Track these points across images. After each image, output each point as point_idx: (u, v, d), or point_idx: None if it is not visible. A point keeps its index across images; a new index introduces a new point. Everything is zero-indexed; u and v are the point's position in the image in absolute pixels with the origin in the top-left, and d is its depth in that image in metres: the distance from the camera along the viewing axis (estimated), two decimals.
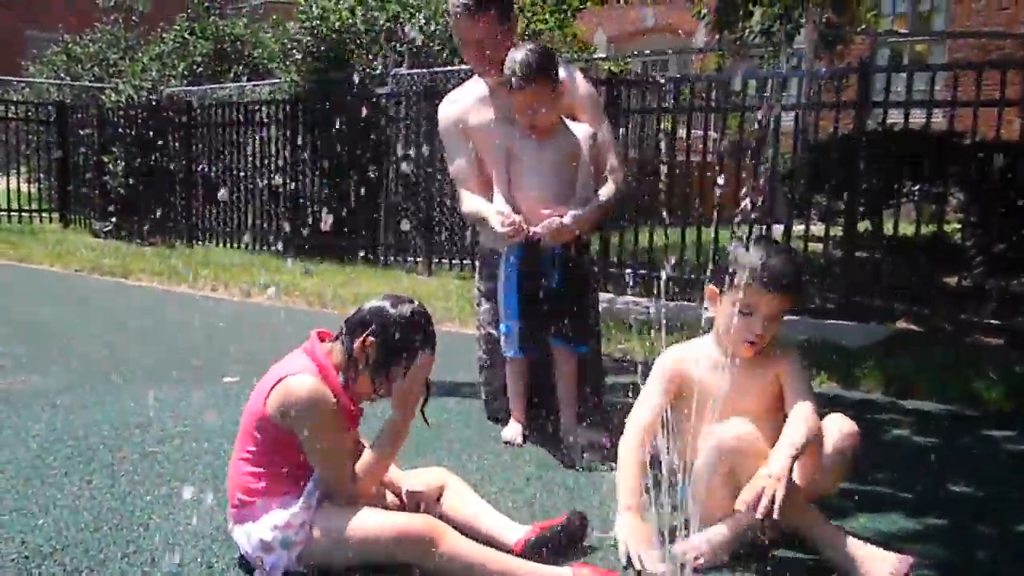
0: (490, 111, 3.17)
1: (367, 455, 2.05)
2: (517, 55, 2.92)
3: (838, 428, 2.21)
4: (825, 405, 2.29)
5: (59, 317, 5.48)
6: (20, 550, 2.05)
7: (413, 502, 2.13)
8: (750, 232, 6.15)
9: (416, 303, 2.09)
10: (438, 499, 2.20)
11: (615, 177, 3.14)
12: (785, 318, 2.25)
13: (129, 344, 4.65)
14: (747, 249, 2.20)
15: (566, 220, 2.91)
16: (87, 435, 2.98)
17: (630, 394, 2.34)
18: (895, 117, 6.14)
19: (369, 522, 1.93)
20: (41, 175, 12.45)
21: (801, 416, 2.12)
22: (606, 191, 3.08)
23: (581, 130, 3.07)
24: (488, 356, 3.32)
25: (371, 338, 2.01)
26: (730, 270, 2.20)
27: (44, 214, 12.15)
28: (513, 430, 3.08)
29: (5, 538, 2.11)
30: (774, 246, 2.25)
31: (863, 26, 9.46)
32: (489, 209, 3.02)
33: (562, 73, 3.02)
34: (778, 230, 6.54)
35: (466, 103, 3.25)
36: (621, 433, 2.30)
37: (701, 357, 2.30)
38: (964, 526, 2.41)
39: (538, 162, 3.00)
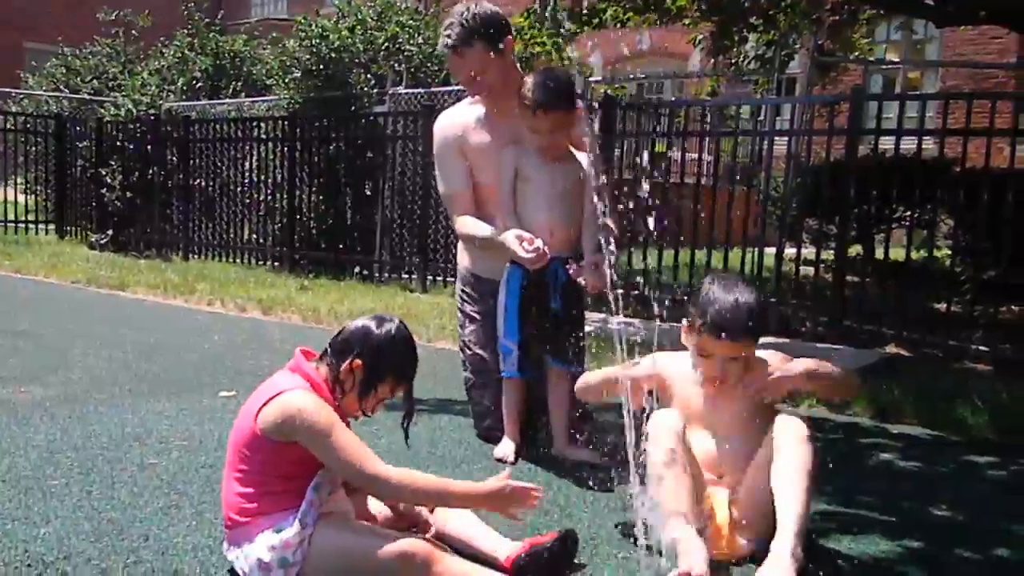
0: (490, 133, 3.21)
1: (418, 475, 2.07)
2: (540, 79, 2.99)
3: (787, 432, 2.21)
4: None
5: (56, 329, 5.51)
6: (23, 558, 2.09)
7: (408, 519, 2.17)
8: (725, 263, 6.27)
9: (399, 322, 2.14)
10: (430, 514, 2.24)
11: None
12: (756, 352, 2.34)
13: (126, 357, 4.69)
14: (709, 291, 2.28)
15: (606, 269, 2.97)
16: (86, 446, 3.02)
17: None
18: (887, 143, 6.24)
19: (365, 543, 1.96)
20: (39, 186, 12.50)
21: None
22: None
23: (583, 157, 3.14)
24: (476, 376, 3.35)
25: (357, 360, 2.06)
26: (691, 312, 2.32)
27: (40, 225, 12.19)
28: (506, 447, 3.12)
29: (8, 547, 2.15)
30: (735, 288, 2.28)
31: (856, 53, 9.58)
32: (505, 233, 3.00)
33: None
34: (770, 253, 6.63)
35: (465, 122, 3.27)
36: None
37: (684, 369, 2.41)
38: (945, 549, 2.46)
39: (550, 185, 3.06)
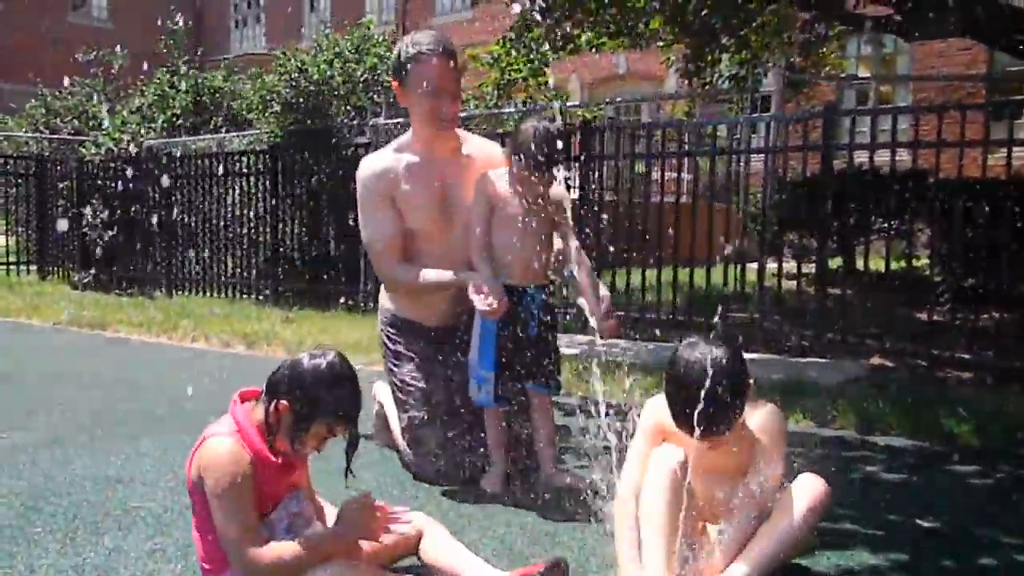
0: (421, 179, 3.15)
1: (285, 546, 1.94)
2: (533, 140, 2.89)
3: (806, 493, 2.18)
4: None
5: (38, 371, 5.48)
6: None
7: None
8: (708, 280, 6.33)
9: (334, 356, 2.00)
10: (417, 544, 2.23)
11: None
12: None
13: (110, 397, 4.66)
14: (671, 374, 2.07)
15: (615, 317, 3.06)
16: (70, 491, 2.99)
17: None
18: (861, 157, 6.31)
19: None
20: (20, 228, 12.46)
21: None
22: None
23: (558, 192, 3.11)
24: (423, 411, 3.18)
25: (283, 401, 1.95)
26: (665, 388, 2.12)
27: (23, 266, 12.15)
28: (493, 476, 3.11)
29: None
30: (695, 375, 2.00)
31: (828, 68, 9.70)
32: (469, 279, 2.95)
33: None
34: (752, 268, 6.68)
35: (394, 169, 3.19)
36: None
37: None
38: (931, 561, 2.48)
39: (526, 220, 3.03)
